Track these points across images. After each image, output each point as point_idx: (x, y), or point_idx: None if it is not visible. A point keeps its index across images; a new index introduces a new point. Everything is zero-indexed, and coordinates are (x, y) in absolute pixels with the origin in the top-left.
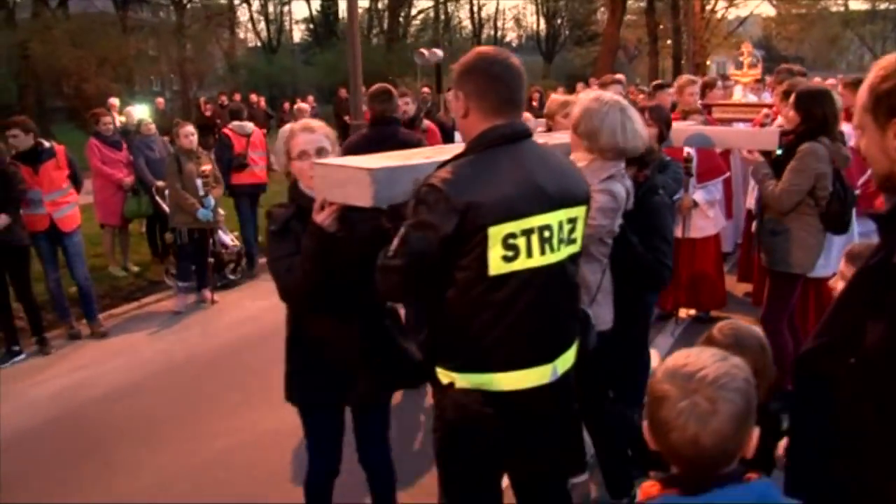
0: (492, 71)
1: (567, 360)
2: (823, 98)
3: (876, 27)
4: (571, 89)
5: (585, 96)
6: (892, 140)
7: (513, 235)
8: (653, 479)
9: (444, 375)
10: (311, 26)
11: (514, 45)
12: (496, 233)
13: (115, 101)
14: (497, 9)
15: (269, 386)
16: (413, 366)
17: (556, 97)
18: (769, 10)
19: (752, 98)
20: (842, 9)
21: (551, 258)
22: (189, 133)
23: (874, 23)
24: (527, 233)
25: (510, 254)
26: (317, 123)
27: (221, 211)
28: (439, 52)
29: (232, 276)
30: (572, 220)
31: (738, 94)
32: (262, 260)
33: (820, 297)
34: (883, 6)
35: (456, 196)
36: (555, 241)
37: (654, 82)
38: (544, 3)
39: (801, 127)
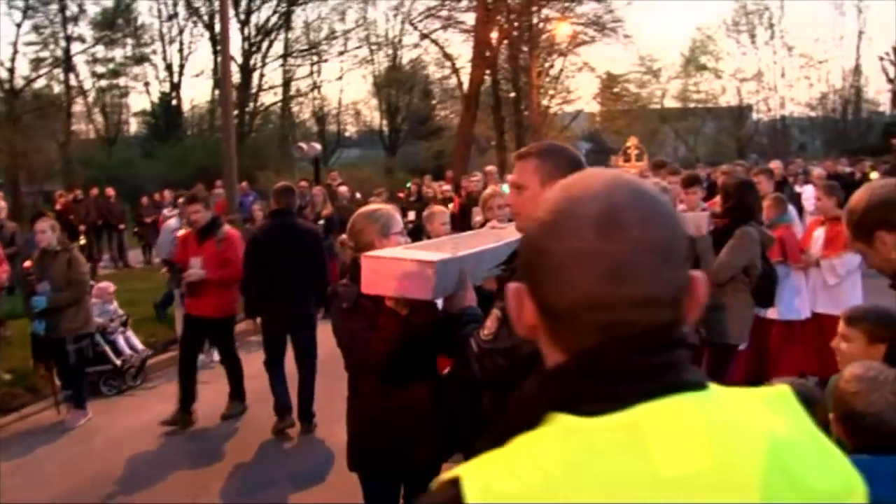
0: (580, 163)
1: None
2: (750, 188)
3: (688, 123)
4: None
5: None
6: (881, 248)
7: None
8: None
9: None
10: (152, 119)
11: (354, 139)
12: None
13: None
14: (340, 103)
15: None
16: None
17: (489, 190)
18: (596, 107)
19: None
20: (658, 106)
21: None
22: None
23: (686, 119)
24: None
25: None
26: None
27: (120, 311)
28: (317, 146)
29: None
30: None
31: None
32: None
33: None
34: (692, 105)
35: None
36: None
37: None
38: (384, 99)
39: (734, 212)
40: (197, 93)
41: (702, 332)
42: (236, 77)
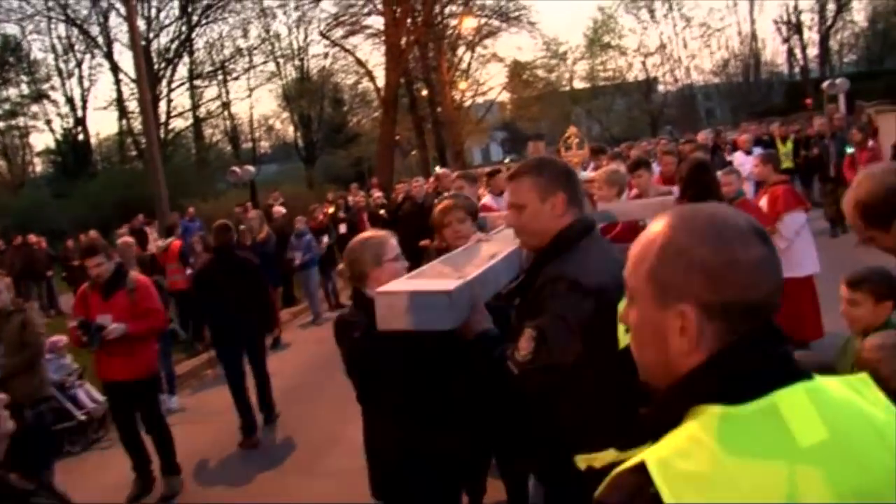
0: (572, 172)
1: None
2: (706, 169)
3: (599, 102)
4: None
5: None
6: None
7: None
8: None
9: (584, 460)
10: (58, 158)
11: (270, 154)
12: (621, 308)
13: None
14: (252, 120)
15: None
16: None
17: (438, 207)
18: (507, 96)
19: (585, 174)
20: (568, 88)
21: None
22: None
23: (597, 98)
24: None
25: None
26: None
27: (75, 364)
28: (251, 168)
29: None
30: None
31: None
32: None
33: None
34: (601, 84)
35: (588, 280)
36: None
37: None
38: (296, 112)
39: (695, 196)
40: (102, 126)
41: None
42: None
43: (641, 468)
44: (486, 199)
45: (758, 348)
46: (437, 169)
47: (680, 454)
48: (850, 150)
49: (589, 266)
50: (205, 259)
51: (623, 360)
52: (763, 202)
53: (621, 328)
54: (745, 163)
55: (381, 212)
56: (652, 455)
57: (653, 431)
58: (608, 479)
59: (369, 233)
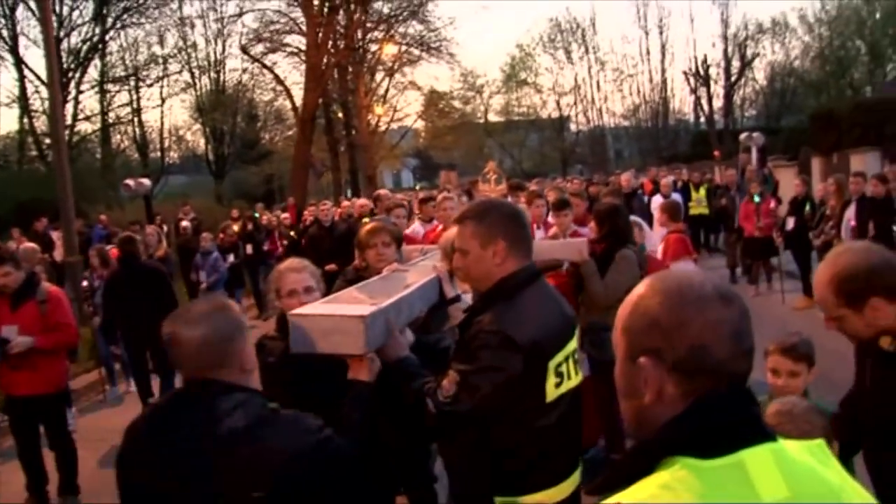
0: (518, 218)
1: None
2: (619, 212)
3: (512, 136)
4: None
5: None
6: (871, 314)
7: (560, 363)
8: None
9: (503, 502)
10: None
11: (178, 165)
12: (553, 364)
13: None
14: (161, 130)
15: None
16: None
17: (366, 227)
18: (422, 124)
19: None
20: (482, 121)
21: (580, 374)
22: None
23: (510, 132)
24: (568, 357)
25: (559, 380)
26: (302, 263)
27: None
28: (146, 182)
29: None
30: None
31: None
32: None
33: None
34: (515, 118)
35: (521, 337)
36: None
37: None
38: (208, 124)
39: (610, 237)
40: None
41: (591, 352)
42: (47, 105)
43: None
44: (414, 226)
45: (725, 408)
46: (381, 192)
47: (653, 499)
48: (756, 200)
49: (525, 319)
50: (112, 268)
51: (549, 412)
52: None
53: (550, 381)
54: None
55: (292, 233)
56: (626, 498)
57: (626, 477)
58: None
59: (287, 262)
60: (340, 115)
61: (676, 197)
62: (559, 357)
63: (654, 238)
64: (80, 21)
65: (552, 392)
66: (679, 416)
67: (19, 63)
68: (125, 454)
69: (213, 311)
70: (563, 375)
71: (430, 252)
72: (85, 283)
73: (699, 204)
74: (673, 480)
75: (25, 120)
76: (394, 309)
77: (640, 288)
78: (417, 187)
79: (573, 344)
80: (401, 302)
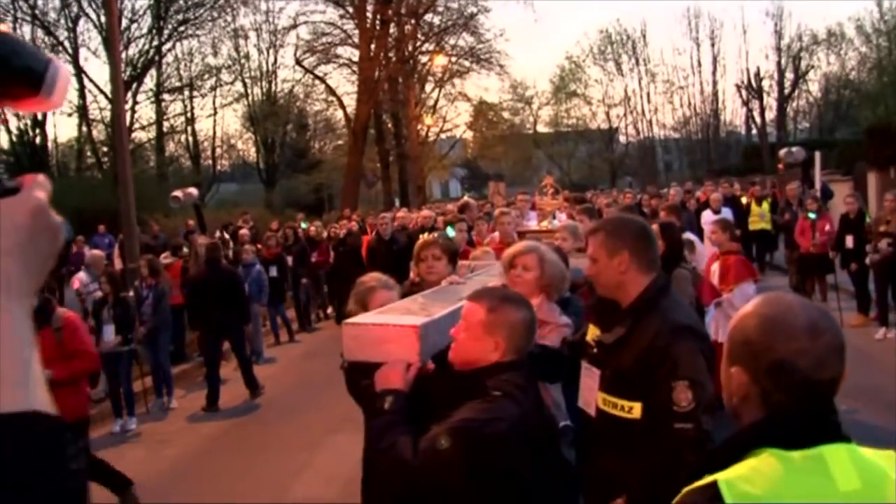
0: (644, 232)
1: None
2: (672, 229)
3: (561, 147)
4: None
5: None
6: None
7: None
8: None
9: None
10: (11, 159)
11: (230, 173)
12: None
13: None
14: (214, 138)
15: None
16: None
17: (420, 241)
18: (471, 135)
19: (556, 223)
20: (531, 131)
21: None
22: None
23: (559, 144)
24: None
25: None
26: (389, 280)
27: None
28: (194, 192)
29: None
30: None
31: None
32: None
33: None
34: (564, 130)
35: (699, 325)
36: None
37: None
38: (259, 133)
39: (666, 256)
40: (60, 130)
41: None
42: (106, 113)
43: (713, 485)
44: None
45: (807, 412)
46: (465, 199)
47: (744, 479)
48: (812, 216)
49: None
50: (199, 270)
51: None
52: (715, 267)
53: None
54: (709, 222)
55: (340, 248)
56: (724, 479)
57: (720, 463)
58: (681, 496)
59: (375, 278)
60: (390, 125)
61: (726, 212)
62: None
63: (705, 255)
64: (137, 34)
65: None
66: (764, 418)
67: (80, 73)
68: None
69: None
70: None
71: (479, 268)
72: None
73: (762, 219)
74: (761, 464)
75: (84, 129)
76: (446, 321)
77: (749, 305)
78: (465, 197)
79: None
80: (454, 315)
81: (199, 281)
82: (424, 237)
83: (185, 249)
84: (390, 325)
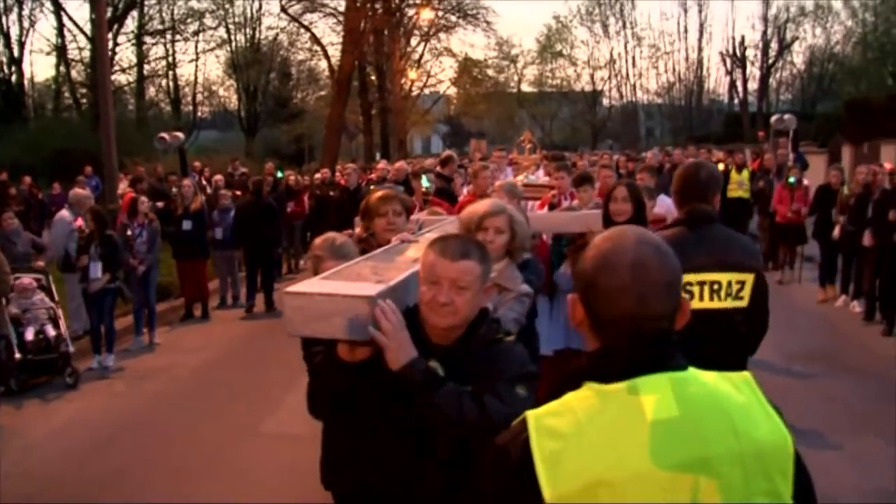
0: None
1: None
2: (642, 189)
3: (544, 107)
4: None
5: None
6: None
7: (689, 283)
8: None
9: None
10: None
11: (210, 120)
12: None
13: None
14: (195, 84)
15: None
16: None
17: (377, 194)
18: (454, 91)
19: (533, 178)
20: (514, 90)
21: (717, 304)
22: None
23: (542, 104)
24: (701, 283)
25: (686, 296)
26: (347, 246)
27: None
28: (180, 135)
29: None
30: (740, 282)
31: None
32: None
33: None
34: (548, 90)
35: None
36: (723, 293)
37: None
38: (241, 80)
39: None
40: (37, 69)
41: None
42: (86, 54)
43: (523, 420)
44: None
45: (626, 345)
46: (447, 152)
47: (551, 413)
48: (791, 181)
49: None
50: (245, 199)
51: None
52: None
53: None
54: None
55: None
56: (532, 414)
57: (555, 394)
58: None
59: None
60: (374, 78)
61: None
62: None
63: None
64: None
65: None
66: (593, 352)
67: (59, 11)
68: None
69: None
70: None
71: (428, 225)
72: (129, 233)
73: (740, 187)
74: (575, 398)
75: (62, 68)
76: (402, 287)
77: (598, 238)
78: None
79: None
80: (409, 280)
81: (244, 208)
82: (380, 190)
83: (174, 190)
84: (339, 294)
